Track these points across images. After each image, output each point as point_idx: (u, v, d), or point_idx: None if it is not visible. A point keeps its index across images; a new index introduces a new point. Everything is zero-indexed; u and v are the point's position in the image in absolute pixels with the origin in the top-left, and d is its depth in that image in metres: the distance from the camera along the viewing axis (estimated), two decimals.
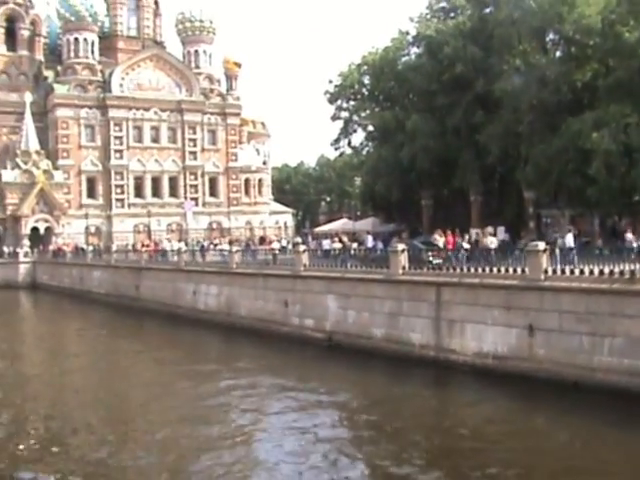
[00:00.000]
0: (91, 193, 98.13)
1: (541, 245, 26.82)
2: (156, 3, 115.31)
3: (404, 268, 31.77)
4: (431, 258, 33.31)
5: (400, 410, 24.16)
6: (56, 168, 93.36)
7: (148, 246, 68.28)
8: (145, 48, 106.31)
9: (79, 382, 31.87)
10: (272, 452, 19.49)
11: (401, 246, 33.26)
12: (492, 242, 37.69)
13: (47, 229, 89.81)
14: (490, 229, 44.69)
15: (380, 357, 30.75)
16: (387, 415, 23.44)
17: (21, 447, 21.00)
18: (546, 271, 25.96)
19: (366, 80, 75.82)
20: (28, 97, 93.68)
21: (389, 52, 71.07)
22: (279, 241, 59.89)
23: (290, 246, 51.47)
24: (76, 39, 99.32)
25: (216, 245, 64.17)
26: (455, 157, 59.73)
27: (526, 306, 26.06)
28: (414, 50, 70.29)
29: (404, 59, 71.19)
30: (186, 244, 69.04)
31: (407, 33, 70.68)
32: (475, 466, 17.91)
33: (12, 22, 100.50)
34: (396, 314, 31.39)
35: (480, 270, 28.39)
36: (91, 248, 77.41)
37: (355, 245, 44.77)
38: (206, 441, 21.04)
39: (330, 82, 76.24)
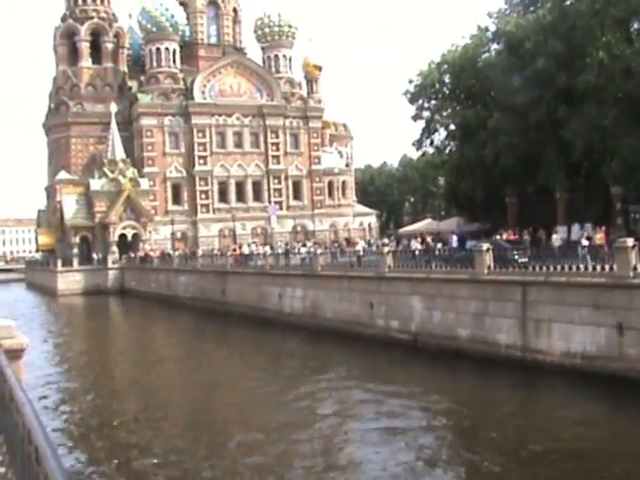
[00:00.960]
0: (176, 199, 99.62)
1: (630, 241, 26.23)
2: (235, 10, 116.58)
3: (489, 268, 31.51)
4: (516, 257, 32.98)
5: (489, 412, 23.96)
6: (142, 176, 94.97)
7: (235, 250, 69.03)
8: (225, 55, 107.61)
9: (166, 385, 32.45)
10: (360, 455, 19.56)
11: (486, 245, 33.02)
12: (556, 240, 37.29)
13: (134, 236, 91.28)
14: (559, 227, 44.11)
15: (466, 358, 30.54)
16: (477, 418, 23.28)
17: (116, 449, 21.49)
18: (635, 268, 25.42)
19: (446, 79, 75.20)
20: (113, 107, 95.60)
21: (469, 50, 70.37)
22: (368, 243, 59.86)
23: (375, 247, 51.48)
24: (158, 49, 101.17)
25: (303, 246, 64.66)
26: (539, 154, 58.75)
27: (615, 304, 25.56)
28: (494, 46, 69.40)
29: (484, 56, 70.36)
30: (271, 248, 69.49)
31: (486, 29, 69.84)
32: (580, 470, 17.63)
33: (97, 36, 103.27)
34: (482, 314, 31.16)
35: (567, 269, 27.96)
36: (177, 253, 78.49)
37: (439, 245, 44.59)
38: (294, 444, 21.20)
39: (410, 82, 75.89)
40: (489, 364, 29.21)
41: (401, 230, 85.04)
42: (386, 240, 59.47)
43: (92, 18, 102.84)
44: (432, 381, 28.84)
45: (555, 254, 31.02)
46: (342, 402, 26.12)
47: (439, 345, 32.88)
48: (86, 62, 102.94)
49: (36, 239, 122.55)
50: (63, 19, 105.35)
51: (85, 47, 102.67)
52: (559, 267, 28.45)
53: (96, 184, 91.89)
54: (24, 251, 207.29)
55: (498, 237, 40.63)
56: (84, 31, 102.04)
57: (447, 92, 75.93)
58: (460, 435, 21.88)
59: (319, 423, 23.96)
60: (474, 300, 31.83)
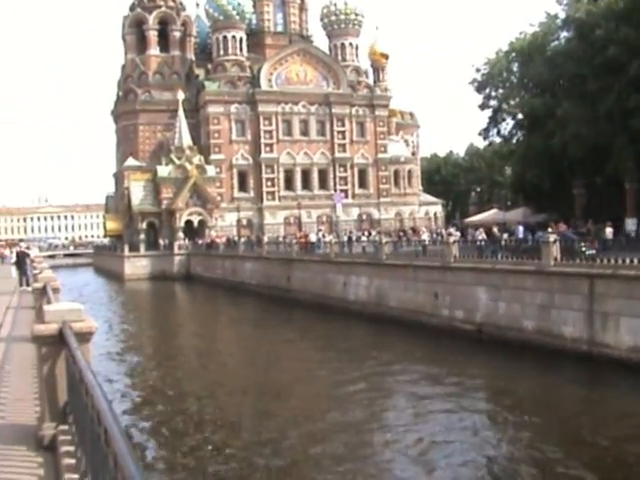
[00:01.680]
0: (242, 186, 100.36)
1: None
2: None
3: (556, 259, 31.16)
4: (584, 249, 32.55)
5: (557, 407, 23.61)
6: (208, 163, 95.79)
7: (301, 238, 69.23)
8: (292, 43, 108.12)
9: (230, 369, 32.81)
10: (423, 447, 19.51)
11: (553, 236, 32.68)
12: (609, 233, 36.86)
13: (200, 222, 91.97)
14: (629, 219, 43.45)
15: (531, 350, 30.22)
16: (544, 413, 22.92)
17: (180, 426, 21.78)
18: None
19: (514, 67, 74.54)
20: (180, 95, 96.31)
21: (537, 37, 69.58)
22: (436, 232, 59.65)
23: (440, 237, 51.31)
24: (225, 37, 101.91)
25: (369, 235, 64.72)
26: (608, 144, 57.81)
27: None
28: (564, 34, 68.52)
29: (553, 44, 69.56)
30: (337, 236, 69.57)
31: (556, 17, 68.91)
32: None
33: (165, 24, 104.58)
34: (547, 306, 30.83)
35: (636, 262, 27.50)
36: (243, 240, 79.03)
37: (505, 236, 44.24)
38: (363, 435, 21.25)
39: (477, 70, 75.34)
40: (554, 357, 28.88)
41: (467, 220, 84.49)
42: (451, 230, 59.03)
43: (160, 7, 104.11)
44: (497, 373, 28.69)
45: (623, 246, 30.52)
46: (407, 392, 26.03)
47: (504, 336, 32.64)
48: (154, 50, 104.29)
49: (104, 224, 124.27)
50: (132, 8, 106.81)
51: (153, 35, 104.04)
52: (628, 260, 27.98)
53: (163, 171, 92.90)
54: (92, 236, 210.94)
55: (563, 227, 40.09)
56: (152, 20, 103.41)
57: (515, 80, 75.25)
58: (525, 428, 21.62)
59: (381, 410, 24.06)
60: (540, 292, 31.48)
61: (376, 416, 23.41)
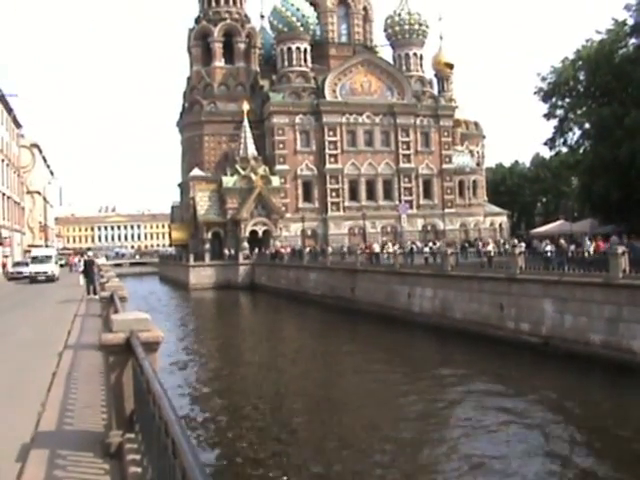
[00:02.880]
0: (307, 197, 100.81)
1: None
2: (365, 9, 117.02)
3: (624, 271, 30.62)
4: None
5: (625, 425, 23.06)
6: (273, 173, 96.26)
7: (366, 248, 69.05)
8: (356, 54, 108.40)
9: (294, 379, 32.78)
10: (494, 464, 19.28)
11: (621, 248, 32.12)
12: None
13: (265, 232, 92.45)
14: None
15: (598, 364, 29.66)
16: (613, 431, 22.44)
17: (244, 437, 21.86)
18: None
19: (581, 75, 73.44)
20: (245, 106, 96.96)
21: (605, 45, 68.39)
22: (501, 244, 59.14)
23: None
24: (289, 49, 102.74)
25: (434, 245, 64.50)
26: None
27: None
28: (632, 41, 67.26)
29: (621, 51, 68.34)
30: (401, 246, 69.33)
31: (624, 23, 67.62)
32: None
33: (229, 36, 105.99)
34: (615, 320, 30.23)
35: None
36: (307, 250, 79.17)
37: (573, 247, 43.62)
38: (425, 448, 21.14)
39: (543, 79, 74.43)
40: (623, 372, 28.23)
41: (533, 231, 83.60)
42: (516, 241, 58.43)
43: (225, 19, 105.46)
44: (564, 387, 28.17)
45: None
46: (472, 406, 25.72)
47: (570, 349, 32.11)
48: (219, 62, 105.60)
49: (169, 234, 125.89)
50: (197, 21, 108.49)
51: (218, 47, 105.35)
52: None
53: (228, 181, 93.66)
54: (158, 245, 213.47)
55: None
56: (217, 32, 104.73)
57: (582, 89, 74.09)
58: (593, 446, 21.22)
59: (445, 421, 23.87)
60: (608, 305, 30.92)
61: (439, 430, 23.20)
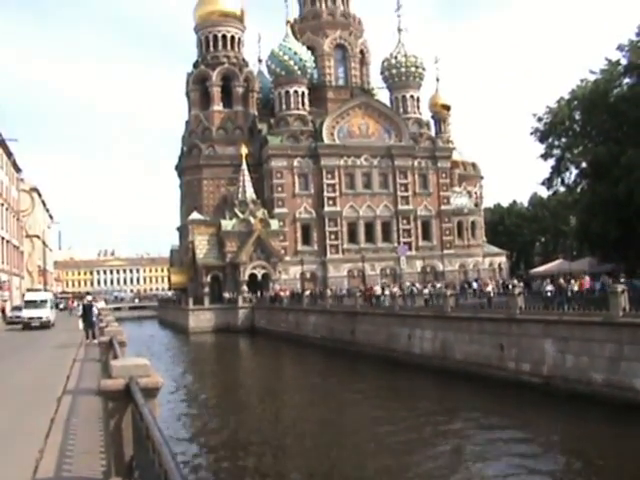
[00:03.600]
0: (306, 240, 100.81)
1: None
2: (362, 52, 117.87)
3: (625, 310, 30.55)
4: None
5: (629, 466, 22.87)
6: (272, 216, 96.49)
7: (366, 291, 69.05)
8: (353, 96, 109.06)
9: (295, 425, 32.51)
10: None
11: (621, 287, 32.08)
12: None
13: (264, 275, 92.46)
14: None
15: (600, 403, 29.46)
16: (617, 473, 22.27)
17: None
18: None
19: (577, 115, 73.82)
20: (244, 150, 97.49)
21: (599, 84, 68.81)
22: (503, 285, 59.18)
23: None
24: (287, 92, 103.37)
25: (433, 287, 64.48)
26: None
27: None
28: (626, 80, 67.74)
29: (616, 91, 68.79)
30: (400, 288, 69.27)
31: (618, 63, 68.15)
32: None
33: (228, 80, 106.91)
34: (617, 358, 30.12)
35: None
36: (307, 293, 79.04)
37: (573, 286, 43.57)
38: None
39: (539, 120, 74.76)
40: (625, 411, 27.99)
41: (532, 271, 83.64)
42: (515, 281, 58.44)
43: (223, 64, 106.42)
44: (566, 429, 28.05)
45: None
46: (473, 449, 25.63)
47: (572, 389, 31.94)
48: (217, 106, 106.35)
49: (168, 277, 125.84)
50: (195, 65, 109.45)
51: (216, 91, 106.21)
52: None
53: (227, 224, 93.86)
54: (157, 289, 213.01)
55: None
56: (215, 76, 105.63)
57: (578, 129, 74.44)
58: None
59: (452, 465, 23.66)
60: (609, 343, 30.83)
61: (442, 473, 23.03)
